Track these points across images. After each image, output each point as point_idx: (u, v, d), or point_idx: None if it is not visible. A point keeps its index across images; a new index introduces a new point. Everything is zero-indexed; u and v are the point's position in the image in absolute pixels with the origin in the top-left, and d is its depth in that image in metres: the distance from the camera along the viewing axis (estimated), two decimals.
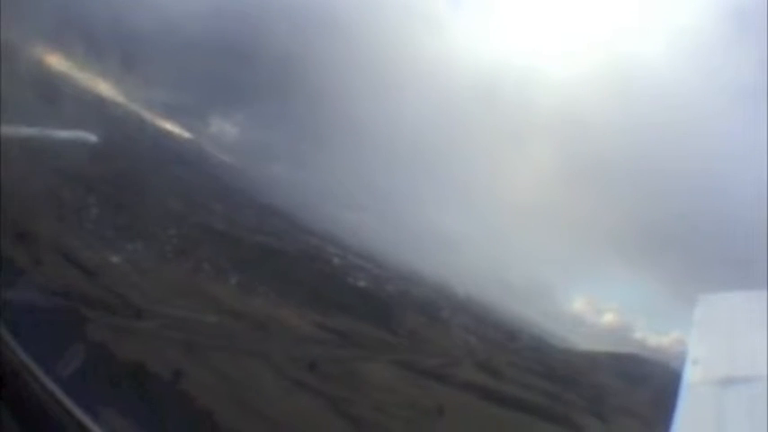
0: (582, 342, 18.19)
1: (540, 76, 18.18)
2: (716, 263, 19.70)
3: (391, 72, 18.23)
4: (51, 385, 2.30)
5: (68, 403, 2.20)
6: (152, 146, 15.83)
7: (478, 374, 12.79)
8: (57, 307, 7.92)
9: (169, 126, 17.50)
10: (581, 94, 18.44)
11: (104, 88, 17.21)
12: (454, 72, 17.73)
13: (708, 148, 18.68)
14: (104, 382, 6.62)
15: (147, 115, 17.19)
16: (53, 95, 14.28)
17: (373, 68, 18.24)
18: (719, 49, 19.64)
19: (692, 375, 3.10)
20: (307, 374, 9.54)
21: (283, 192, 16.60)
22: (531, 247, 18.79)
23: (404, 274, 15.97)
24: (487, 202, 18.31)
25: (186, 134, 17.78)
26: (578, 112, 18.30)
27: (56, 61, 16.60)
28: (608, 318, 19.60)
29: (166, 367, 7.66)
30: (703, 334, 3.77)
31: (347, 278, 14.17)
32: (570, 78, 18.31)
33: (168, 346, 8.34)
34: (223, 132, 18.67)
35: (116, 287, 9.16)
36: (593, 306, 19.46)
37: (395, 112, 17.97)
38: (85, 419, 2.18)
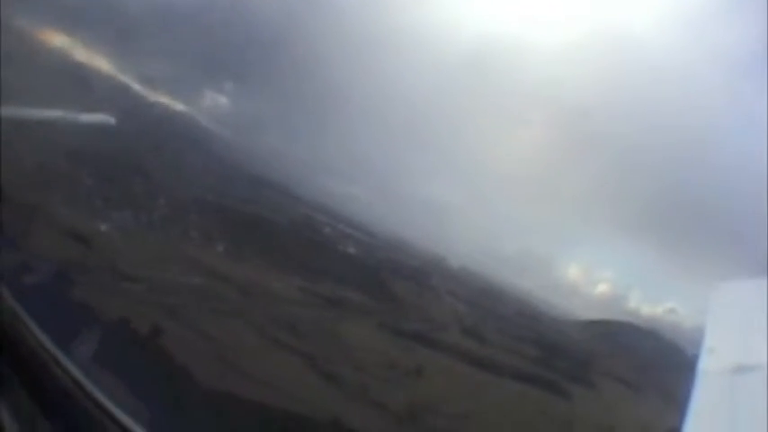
0: (575, 312, 18.71)
1: (530, 46, 18.24)
2: (709, 233, 19.98)
3: (381, 43, 18.42)
4: (43, 337, 2.56)
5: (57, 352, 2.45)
6: (144, 119, 16.34)
7: (464, 339, 13.39)
8: (47, 270, 8.59)
9: (162, 98, 17.99)
10: (573, 64, 18.50)
11: (97, 61, 17.74)
12: (444, 42, 17.87)
13: (701, 118, 18.71)
14: (88, 338, 7.29)
15: (140, 88, 17.67)
16: (45, 70, 14.85)
17: (363, 40, 18.43)
18: (710, 19, 19.49)
19: (706, 363, 3.19)
20: (287, 334, 10.18)
21: (276, 163, 17.10)
22: (525, 218, 19.20)
23: (395, 244, 16.49)
24: (480, 173, 18.66)
25: (179, 106, 18.25)
26: (570, 81, 18.40)
27: (48, 36, 17.13)
28: (602, 288, 20.09)
29: (147, 325, 8.31)
30: (718, 322, 3.84)
31: (336, 246, 14.74)
32: (562, 47, 18.34)
33: (151, 306, 8.99)
34: (217, 105, 19.12)
35: (104, 253, 9.81)
36: (587, 276, 19.98)
37: (385, 83, 18.26)
38: (70, 365, 2.39)
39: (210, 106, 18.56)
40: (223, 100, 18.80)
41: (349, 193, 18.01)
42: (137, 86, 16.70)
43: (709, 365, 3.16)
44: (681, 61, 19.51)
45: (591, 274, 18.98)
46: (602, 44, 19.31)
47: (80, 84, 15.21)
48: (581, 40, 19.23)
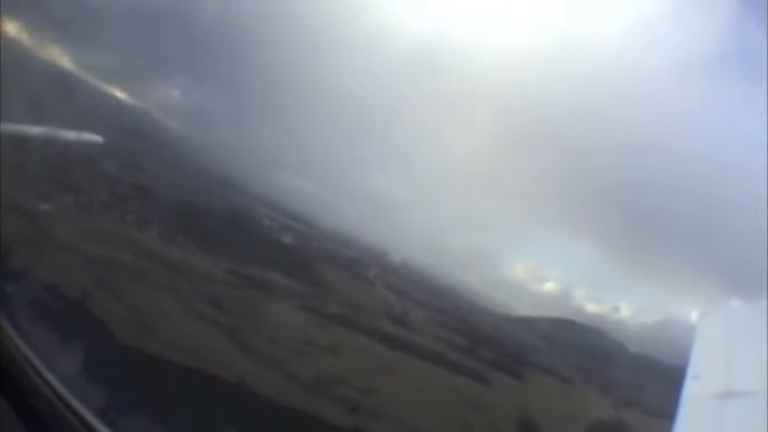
0: (521, 309, 21.03)
1: (478, 45, 20.73)
2: (657, 230, 22.38)
3: (331, 38, 20.89)
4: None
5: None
6: (95, 111, 18.72)
7: (388, 325, 15.65)
8: None
9: (113, 90, 20.41)
10: (522, 63, 21.00)
11: (51, 55, 20.12)
12: (394, 39, 20.34)
13: (650, 119, 21.18)
14: (21, 303, 9.60)
15: (93, 81, 20.08)
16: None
17: (313, 35, 20.90)
18: (660, 16, 22.07)
19: (693, 389, 3.49)
20: (209, 308, 12.49)
21: (222, 155, 19.49)
22: (472, 214, 21.53)
23: (335, 236, 18.81)
24: (428, 169, 21.00)
25: (130, 99, 20.68)
26: (518, 79, 20.89)
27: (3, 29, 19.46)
28: (549, 286, 22.37)
29: (77, 290, 10.62)
30: (704, 349, 4.15)
31: (272, 235, 17.08)
32: (510, 46, 20.85)
33: (84, 276, 11.29)
34: (168, 98, 21.53)
35: (45, 229, 12.13)
36: (534, 274, 22.26)
37: (334, 78, 20.70)
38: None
39: (161, 99, 20.92)
40: (174, 93, 21.17)
41: (295, 186, 20.41)
42: (87, 78, 19.06)
43: (694, 391, 3.46)
44: (632, 62, 22.07)
45: (538, 271, 21.35)
46: (553, 44, 21.87)
47: (30, 75, 17.55)
48: (531, 41, 21.78)
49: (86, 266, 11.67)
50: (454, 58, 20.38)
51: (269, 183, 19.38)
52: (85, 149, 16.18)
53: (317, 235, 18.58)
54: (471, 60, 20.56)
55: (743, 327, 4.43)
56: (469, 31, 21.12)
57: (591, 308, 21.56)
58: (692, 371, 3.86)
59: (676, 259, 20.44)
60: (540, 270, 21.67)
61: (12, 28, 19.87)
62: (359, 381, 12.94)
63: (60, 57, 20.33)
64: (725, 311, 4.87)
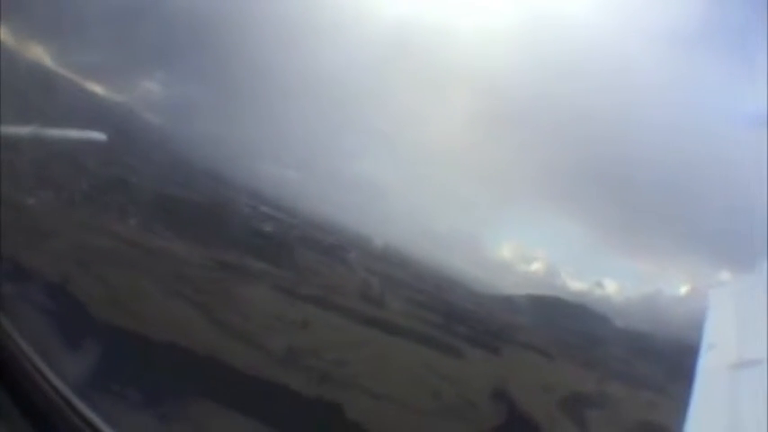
0: (507, 289, 22.53)
1: (458, 26, 22.19)
2: (642, 205, 23.63)
3: (309, 25, 22.53)
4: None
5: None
6: (76, 107, 20.68)
7: (363, 304, 17.36)
8: None
9: (95, 88, 22.37)
10: (500, 42, 22.43)
11: (31, 52, 22.09)
12: (369, 21, 21.90)
13: (632, 95, 22.40)
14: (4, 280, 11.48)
15: (73, 77, 22.05)
16: None
17: (291, 21, 22.56)
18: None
19: (706, 360, 3.88)
20: (185, 289, 14.32)
21: (203, 146, 21.27)
22: (456, 196, 23.02)
23: (316, 223, 20.47)
24: (410, 152, 22.51)
25: (111, 95, 22.62)
26: (498, 59, 22.32)
27: None
28: (535, 265, 23.85)
29: (58, 273, 12.52)
30: (718, 318, 4.59)
31: (252, 223, 18.84)
32: (488, 26, 22.29)
33: (65, 261, 13.20)
34: (148, 92, 23.40)
35: (26, 220, 14.08)
36: (519, 254, 23.73)
37: (313, 65, 22.32)
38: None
39: (141, 93, 22.79)
40: (154, 87, 23.03)
41: (278, 175, 22.11)
42: (67, 74, 21.00)
43: (709, 362, 3.84)
44: (611, 39, 23.38)
45: (524, 251, 22.82)
46: (531, 22, 23.27)
47: (10, 73, 19.51)
48: (509, 19, 23.20)
49: (67, 252, 13.58)
50: (433, 40, 21.83)
51: (251, 173, 21.08)
52: (67, 145, 18.15)
53: (298, 222, 20.30)
54: (450, 42, 22.00)
55: (756, 296, 4.71)
56: (447, 13, 22.59)
57: (577, 285, 22.94)
58: (705, 340, 4.22)
59: (662, 234, 21.74)
60: (526, 250, 23.12)
61: None
62: (329, 354, 14.70)
63: (40, 54, 22.30)
64: (738, 281, 5.39)
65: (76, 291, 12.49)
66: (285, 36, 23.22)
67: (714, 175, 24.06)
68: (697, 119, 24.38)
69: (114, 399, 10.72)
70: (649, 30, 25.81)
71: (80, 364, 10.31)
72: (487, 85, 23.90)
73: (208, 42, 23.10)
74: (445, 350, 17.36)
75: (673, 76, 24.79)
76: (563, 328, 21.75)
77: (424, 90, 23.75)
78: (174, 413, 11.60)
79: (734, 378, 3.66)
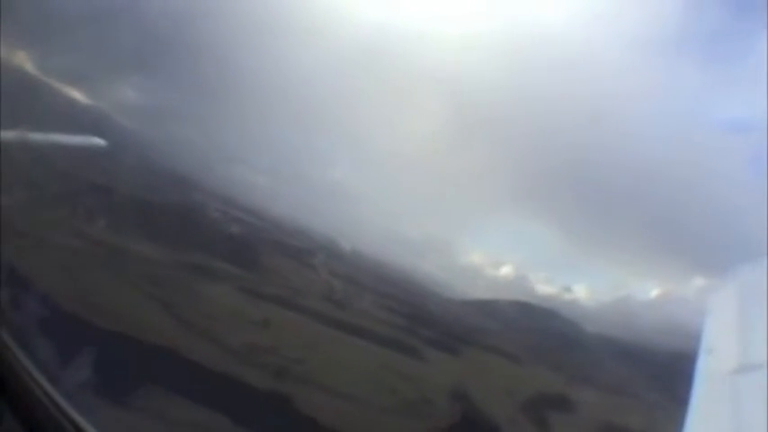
0: (477, 293, 24.14)
1: (429, 32, 24.00)
2: (615, 210, 25.32)
3: (282, 30, 24.34)
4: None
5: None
6: (49, 112, 22.44)
7: (325, 305, 18.92)
8: None
9: (69, 92, 24.16)
10: (473, 46, 24.22)
11: (9, 56, 23.87)
12: (342, 26, 23.70)
13: (604, 96, 24.15)
14: None
15: (47, 82, 23.85)
16: None
17: (264, 26, 24.37)
18: (619, 3, 25.15)
19: (706, 364, 4.02)
20: (149, 287, 15.96)
21: (175, 151, 23.01)
22: (427, 201, 24.68)
23: (286, 227, 22.13)
24: (381, 157, 24.20)
25: (85, 99, 24.40)
26: (470, 63, 24.10)
27: None
28: (505, 270, 25.44)
29: (30, 272, 14.18)
30: (717, 322, 4.71)
31: (220, 227, 20.52)
32: (461, 29, 24.09)
33: (36, 259, 14.86)
34: (123, 97, 25.20)
35: (3, 219, 15.74)
36: (490, 259, 25.34)
37: (286, 69, 24.12)
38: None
39: (116, 98, 24.58)
40: (128, 91, 24.82)
41: (249, 180, 23.84)
42: (41, 79, 22.79)
43: (708, 366, 3.95)
44: (585, 43, 25.19)
45: (495, 256, 24.43)
46: (504, 27, 25.08)
47: None
48: (482, 22, 25.04)
49: (39, 251, 15.25)
50: (404, 44, 23.60)
51: (222, 177, 22.81)
52: (43, 149, 19.88)
53: (266, 226, 21.98)
54: (423, 48, 23.76)
55: (756, 299, 4.88)
56: (421, 19, 24.39)
57: (547, 290, 24.61)
58: (705, 344, 4.33)
59: (635, 239, 23.45)
60: (497, 255, 24.79)
61: None
62: (287, 351, 16.30)
63: (18, 59, 24.09)
64: (737, 285, 5.38)
65: (45, 286, 14.12)
66: (259, 42, 25.02)
67: (688, 181, 25.80)
68: (671, 125, 26.12)
69: (78, 388, 12.35)
70: (625, 37, 27.59)
71: (48, 354, 11.95)
72: (460, 90, 25.69)
73: (182, 48, 24.90)
74: (406, 351, 18.94)
75: (648, 83, 26.56)
76: (532, 332, 23.41)
77: (396, 95, 25.52)
78: (135, 402, 13.21)
79: (734, 383, 3.79)
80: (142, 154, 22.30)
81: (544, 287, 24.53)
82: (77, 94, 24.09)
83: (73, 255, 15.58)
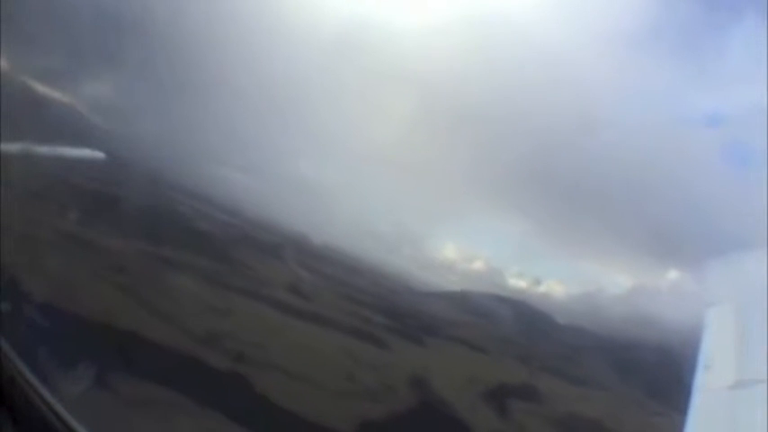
0: (449, 287, 26.35)
1: (400, 27, 26.31)
2: (587, 204, 27.47)
3: (252, 26, 26.73)
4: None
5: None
6: (20, 109, 24.90)
7: (290, 296, 21.21)
8: None
9: (41, 90, 26.66)
10: (444, 43, 26.51)
11: None
12: (312, 24, 26.07)
13: (574, 90, 26.30)
14: None
15: (18, 79, 26.34)
16: None
17: (236, 23, 26.77)
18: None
19: (704, 380, 4.49)
20: (117, 276, 18.35)
21: (149, 148, 25.42)
22: (400, 197, 26.86)
23: (254, 222, 24.47)
24: (355, 153, 26.39)
25: (58, 97, 26.89)
26: (441, 59, 26.38)
27: None
28: (478, 264, 27.60)
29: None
30: (714, 339, 5.16)
31: (190, 222, 22.91)
32: (432, 26, 26.39)
33: (5, 247, 17.25)
34: (97, 94, 27.67)
35: None
36: (463, 253, 27.51)
37: (258, 66, 26.47)
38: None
39: (88, 96, 27.03)
40: (101, 88, 27.27)
41: (222, 177, 26.23)
42: (14, 77, 25.25)
43: (706, 382, 4.42)
44: (558, 40, 27.44)
45: (467, 251, 26.61)
46: (477, 23, 27.38)
47: None
48: (454, 20, 27.34)
49: (10, 244, 17.67)
50: (374, 40, 25.91)
51: (195, 174, 25.20)
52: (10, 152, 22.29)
53: (237, 222, 24.38)
54: (391, 42, 26.10)
55: (754, 316, 5.26)
56: (391, 16, 26.73)
57: (519, 283, 26.82)
58: (702, 361, 4.67)
59: (608, 232, 25.68)
60: (469, 249, 27.01)
61: None
62: (248, 337, 18.63)
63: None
64: (735, 301, 5.75)
65: (15, 274, 16.52)
66: (229, 41, 27.35)
67: (661, 174, 27.93)
68: (644, 119, 28.25)
69: (49, 369, 14.70)
70: (599, 31, 29.74)
71: (21, 335, 14.29)
72: (431, 86, 27.92)
73: (155, 46, 27.27)
74: (369, 340, 21.21)
75: (621, 77, 28.71)
76: (502, 324, 25.65)
77: (366, 91, 27.75)
78: (102, 381, 15.57)
79: (732, 398, 4.11)
80: (114, 150, 24.71)
81: (516, 280, 26.77)
82: (51, 92, 26.57)
83: (46, 248, 17.97)
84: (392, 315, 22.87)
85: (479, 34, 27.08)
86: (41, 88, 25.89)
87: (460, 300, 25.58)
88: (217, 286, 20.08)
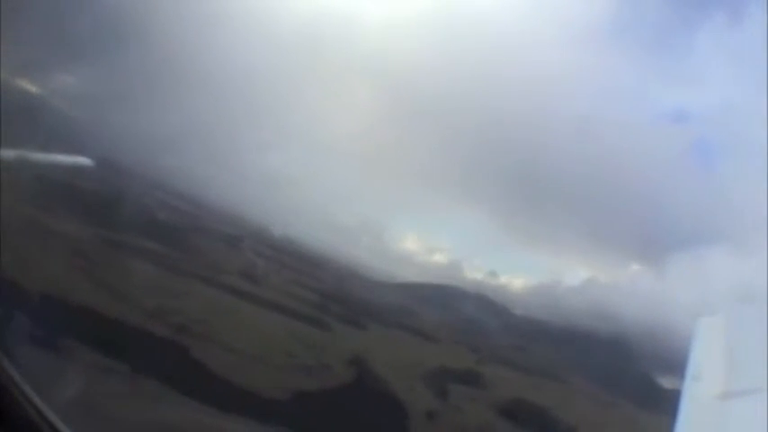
0: (408, 278, 30.65)
1: (365, 17, 30.99)
2: (549, 198, 31.56)
3: (216, 17, 31.70)
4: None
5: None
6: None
7: (241, 282, 25.84)
8: None
9: (18, 82, 31.99)
10: (409, 35, 31.09)
11: None
12: (277, 17, 30.93)
13: (541, 85, 30.45)
14: None
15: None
16: None
17: (198, 15, 31.79)
18: None
19: (692, 391, 4.99)
20: (77, 260, 23.38)
21: (113, 137, 30.49)
22: (362, 189, 31.22)
23: (216, 213, 29.29)
24: (317, 146, 30.86)
25: (26, 87, 32.12)
26: (405, 52, 30.98)
27: None
28: (438, 256, 31.68)
29: None
30: (702, 350, 5.83)
31: (151, 212, 27.91)
32: (396, 18, 31.01)
33: None
34: (67, 85, 32.96)
35: None
36: (423, 245, 31.66)
37: (220, 57, 31.42)
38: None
39: (62, 87, 32.25)
40: (67, 79, 32.49)
41: (182, 166, 31.23)
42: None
43: (694, 393, 4.91)
44: (525, 34, 31.87)
45: (428, 243, 30.78)
46: (440, 15, 31.99)
47: None
48: (418, 12, 31.98)
49: None
50: (337, 31, 30.56)
51: (159, 165, 30.23)
52: None
53: (199, 213, 29.34)
54: (354, 33, 30.78)
55: (743, 327, 6.00)
56: (356, 7, 31.45)
57: (478, 275, 31.21)
58: (691, 372, 5.35)
59: (570, 226, 29.99)
60: (430, 241, 31.45)
61: None
62: (194, 314, 23.46)
63: None
64: (722, 315, 6.41)
65: None
66: (194, 33, 32.27)
67: (624, 169, 32.04)
68: (609, 114, 32.37)
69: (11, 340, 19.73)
70: (564, 27, 33.86)
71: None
72: (394, 78, 32.43)
73: (121, 37, 32.31)
74: (312, 323, 25.90)
75: (586, 72, 32.86)
76: (457, 315, 30.12)
77: (329, 83, 32.34)
78: (55, 350, 20.50)
79: (721, 408, 4.65)
80: (78, 140, 29.68)
81: (476, 272, 31.16)
82: (15, 81, 31.78)
83: (10, 233, 23.09)
84: (342, 302, 27.46)
85: (442, 28, 31.46)
86: (9, 79, 31.01)
87: (415, 290, 30.08)
88: (170, 270, 24.90)
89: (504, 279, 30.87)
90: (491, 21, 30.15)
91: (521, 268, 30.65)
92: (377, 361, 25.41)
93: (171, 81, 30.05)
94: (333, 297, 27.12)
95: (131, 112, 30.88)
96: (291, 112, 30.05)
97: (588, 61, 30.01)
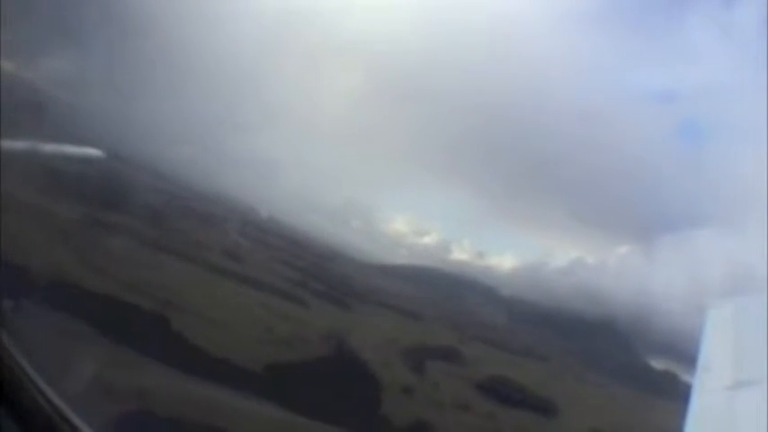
0: (396, 260, 33.52)
1: (346, 2, 33.99)
2: (539, 179, 34.18)
3: (201, 2, 34.84)
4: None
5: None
6: None
7: (223, 259, 28.98)
8: None
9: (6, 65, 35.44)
10: (394, 16, 33.95)
11: None
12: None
13: (529, 66, 33.03)
14: None
15: None
16: None
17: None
18: None
19: (702, 381, 5.46)
20: (63, 237, 26.78)
21: (99, 120, 33.77)
22: (350, 171, 34.01)
23: (202, 195, 32.43)
24: (304, 128, 33.69)
25: (19, 72, 35.58)
26: (391, 32, 33.88)
27: None
28: (427, 238, 34.39)
29: None
30: (712, 341, 6.32)
31: (135, 194, 31.26)
32: (378, 1, 33.97)
33: None
34: (57, 70, 36.35)
35: None
36: (413, 227, 34.41)
37: (208, 42, 34.51)
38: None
39: (53, 71, 35.62)
40: (66, 65, 35.87)
41: (169, 149, 34.46)
42: None
43: (705, 383, 5.40)
44: (508, 16, 34.71)
45: (417, 224, 33.60)
46: (424, 2, 34.94)
47: None
48: None
49: None
50: (322, 14, 33.40)
51: (147, 149, 33.50)
52: None
53: (183, 195, 32.59)
54: (339, 16, 33.64)
55: (752, 319, 6.51)
56: None
57: (467, 256, 34.13)
58: (701, 362, 5.85)
59: (560, 207, 32.80)
60: (419, 223, 34.41)
61: None
62: (175, 287, 26.71)
63: None
64: (730, 306, 6.96)
65: None
66: (179, 16, 35.29)
67: (614, 150, 34.71)
68: (597, 94, 35.01)
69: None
70: (551, 7, 36.42)
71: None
72: (380, 59, 35.20)
73: (107, 23, 35.47)
74: (294, 300, 29.01)
75: (573, 53, 35.49)
76: (442, 295, 33.07)
77: (317, 64, 35.17)
78: (43, 321, 23.86)
79: (730, 398, 5.11)
80: (66, 125, 32.96)
81: (464, 254, 34.06)
82: (8, 67, 35.17)
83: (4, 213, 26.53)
84: (324, 281, 30.52)
85: (427, 10, 34.12)
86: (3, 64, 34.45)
87: (401, 271, 33.06)
88: (154, 247, 28.24)
89: (492, 260, 33.82)
90: (477, 4, 32.92)
91: (509, 249, 33.53)
92: (355, 337, 28.39)
93: (155, 66, 33.11)
94: (316, 276, 30.15)
95: (113, 95, 33.82)
96: (278, 92, 33.08)
97: (575, 41, 32.71)
